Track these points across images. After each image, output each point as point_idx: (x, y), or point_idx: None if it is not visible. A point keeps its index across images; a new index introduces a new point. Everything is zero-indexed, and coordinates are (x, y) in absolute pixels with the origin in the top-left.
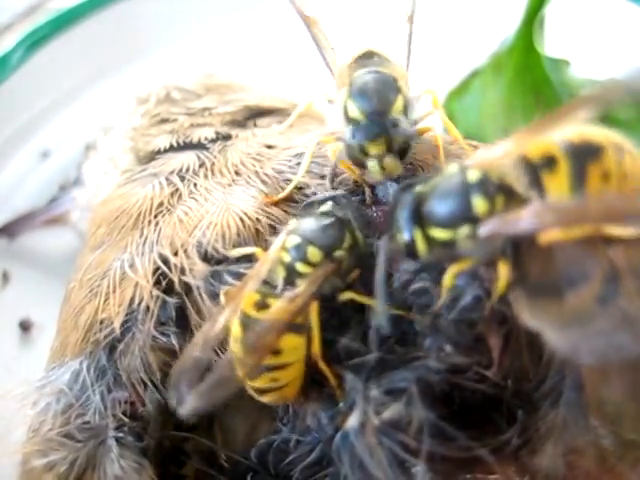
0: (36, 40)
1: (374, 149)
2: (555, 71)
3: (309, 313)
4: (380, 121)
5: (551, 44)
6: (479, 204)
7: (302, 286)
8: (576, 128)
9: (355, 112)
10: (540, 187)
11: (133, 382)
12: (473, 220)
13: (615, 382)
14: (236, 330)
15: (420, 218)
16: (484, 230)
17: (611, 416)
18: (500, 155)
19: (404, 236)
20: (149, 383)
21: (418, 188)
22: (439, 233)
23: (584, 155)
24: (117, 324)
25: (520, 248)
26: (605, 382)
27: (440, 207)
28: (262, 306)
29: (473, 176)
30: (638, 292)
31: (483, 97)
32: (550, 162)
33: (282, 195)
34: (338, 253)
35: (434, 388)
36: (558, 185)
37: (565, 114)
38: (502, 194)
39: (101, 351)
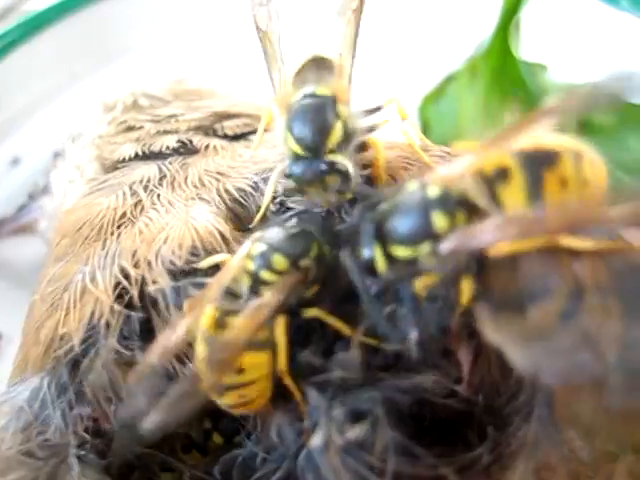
0: (6, 44)
1: (311, 190)
2: (531, 75)
3: (273, 329)
4: (313, 165)
5: (527, 48)
6: (439, 220)
7: (267, 295)
8: (530, 137)
9: (293, 144)
10: (496, 200)
11: (98, 398)
12: (434, 237)
13: (586, 397)
14: (199, 348)
15: (382, 236)
16: (445, 246)
17: (584, 430)
18: (460, 170)
19: (364, 253)
20: (115, 399)
21: (381, 206)
22: (400, 251)
23: (539, 163)
24: (77, 340)
25: (483, 262)
26: (576, 397)
27: (400, 224)
28: (221, 325)
29: (433, 192)
30: (601, 309)
31: (459, 102)
32: (503, 174)
33: (255, 222)
34: (304, 262)
35: (401, 407)
36: (513, 196)
37: (529, 124)
38: (463, 210)
39: (62, 367)
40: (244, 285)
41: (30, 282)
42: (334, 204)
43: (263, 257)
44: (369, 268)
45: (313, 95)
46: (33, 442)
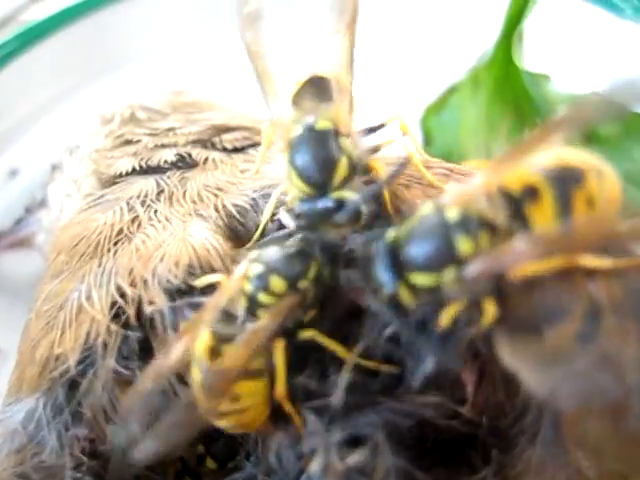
0: (4, 55)
1: (322, 227)
2: (535, 86)
3: (270, 354)
4: (321, 204)
5: (530, 59)
6: (463, 244)
7: (264, 319)
8: (554, 153)
9: (299, 184)
10: (524, 220)
11: (98, 419)
12: (458, 261)
13: (593, 419)
14: (195, 375)
15: (399, 266)
16: (471, 271)
17: (592, 451)
18: (476, 188)
19: (387, 289)
20: (114, 419)
21: (391, 234)
22: (422, 279)
23: (567, 181)
24: (73, 361)
25: (501, 285)
26: (583, 419)
27: (421, 251)
28: (216, 353)
29: (452, 214)
30: (619, 330)
31: (462, 113)
32: (532, 193)
33: (251, 243)
34: (302, 284)
35: (402, 430)
36: (543, 216)
37: (542, 137)
38: (485, 231)
39: (58, 388)
40: (241, 306)
41: (27, 296)
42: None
43: (260, 279)
44: (394, 305)
45: (314, 129)
46: (28, 464)
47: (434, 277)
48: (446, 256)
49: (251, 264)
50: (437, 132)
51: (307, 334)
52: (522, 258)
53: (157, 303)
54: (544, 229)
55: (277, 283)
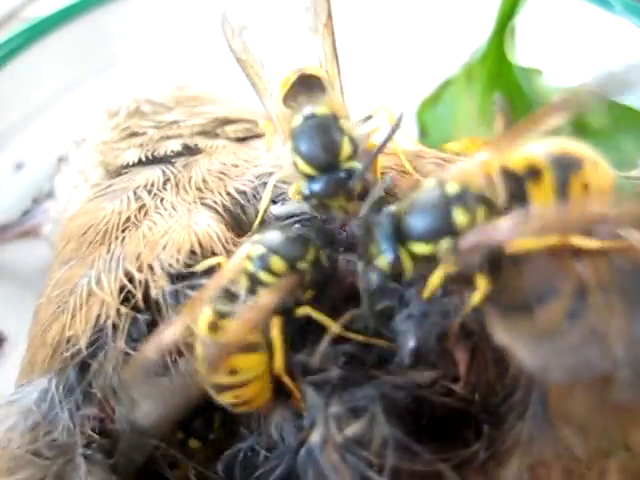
0: (10, 50)
1: (335, 202)
2: (527, 80)
3: (268, 330)
4: (334, 176)
5: (523, 53)
6: (459, 217)
7: (263, 296)
8: (557, 141)
9: (306, 168)
10: (525, 197)
11: (108, 400)
12: (454, 233)
13: (579, 395)
14: (198, 349)
15: (401, 235)
16: (465, 242)
17: (578, 427)
18: (477, 167)
19: (388, 256)
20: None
21: (394, 207)
22: (421, 248)
23: (567, 166)
24: (83, 342)
25: (494, 263)
26: (569, 395)
27: (421, 221)
28: (215, 327)
29: (452, 189)
30: (605, 307)
31: (456, 106)
32: (535, 173)
33: (254, 229)
34: (301, 265)
35: (398, 404)
36: (543, 195)
37: (536, 121)
38: (483, 206)
39: (70, 369)
40: (242, 286)
41: (35, 286)
42: (350, 216)
43: (262, 259)
44: (393, 272)
45: (314, 116)
46: (41, 442)
47: (431, 246)
48: (444, 227)
49: (253, 245)
50: (432, 124)
51: (302, 311)
52: (514, 233)
53: (160, 287)
54: (539, 207)
55: (277, 263)
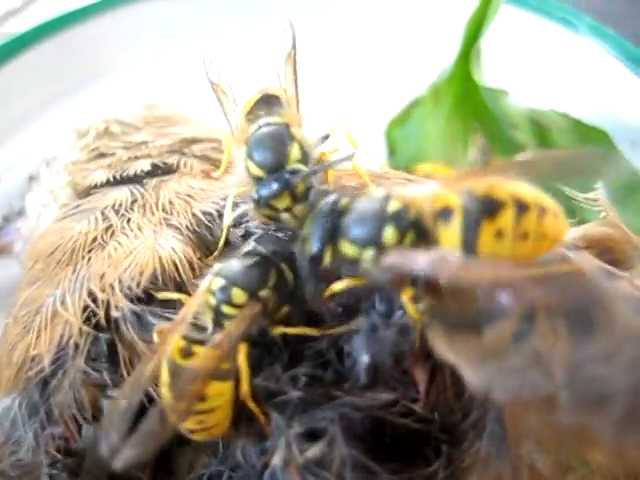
0: None
1: (280, 203)
2: (493, 100)
3: (236, 357)
4: (279, 176)
5: (489, 74)
6: (389, 234)
7: (228, 328)
8: (490, 182)
9: (255, 169)
10: (434, 236)
11: (65, 418)
12: (380, 246)
13: (532, 414)
14: (165, 376)
15: (335, 230)
16: (386, 260)
17: (535, 444)
18: (423, 196)
19: (314, 245)
20: (81, 419)
21: (342, 201)
22: (348, 249)
23: (480, 211)
24: (47, 361)
25: (435, 283)
26: (524, 414)
27: (356, 225)
28: (188, 353)
29: (393, 206)
30: (551, 331)
31: (424, 126)
32: (446, 213)
33: (215, 254)
34: (263, 293)
35: (358, 425)
36: (449, 236)
37: (496, 170)
38: (414, 231)
39: (33, 387)
40: (207, 318)
41: (5, 305)
42: (300, 222)
43: (223, 292)
44: (312, 258)
45: (267, 124)
46: (6, 462)
47: (357, 250)
48: (373, 238)
49: (214, 278)
50: (401, 143)
51: (277, 331)
52: (425, 270)
53: (121, 308)
54: (451, 251)
55: (238, 295)
